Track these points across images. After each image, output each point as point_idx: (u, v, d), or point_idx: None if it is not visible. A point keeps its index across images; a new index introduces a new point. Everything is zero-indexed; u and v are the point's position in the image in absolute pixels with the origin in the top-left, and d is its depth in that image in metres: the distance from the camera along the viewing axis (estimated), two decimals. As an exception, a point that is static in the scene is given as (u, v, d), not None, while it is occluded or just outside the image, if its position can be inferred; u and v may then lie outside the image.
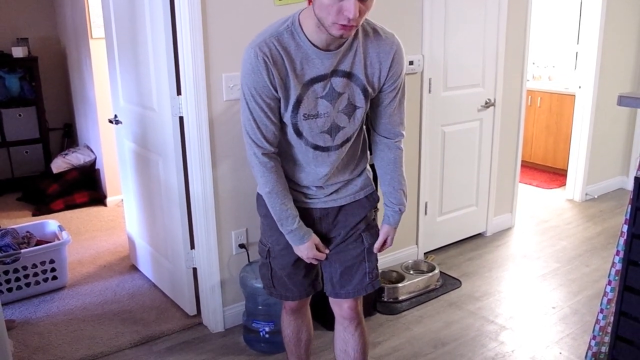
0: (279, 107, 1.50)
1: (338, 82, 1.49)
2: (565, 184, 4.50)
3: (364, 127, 1.66)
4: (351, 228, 1.68)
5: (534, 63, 5.42)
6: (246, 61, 1.45)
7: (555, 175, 4.96)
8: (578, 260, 3.29)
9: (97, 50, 3.93)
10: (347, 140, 1.59)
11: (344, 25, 1.33)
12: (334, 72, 1.48)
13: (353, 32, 1.40)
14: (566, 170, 4.48)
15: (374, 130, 1.66)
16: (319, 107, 1.50)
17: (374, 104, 1.59)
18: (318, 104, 1.49)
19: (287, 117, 1.51)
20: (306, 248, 1.62)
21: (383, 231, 1.71)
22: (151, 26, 2.40)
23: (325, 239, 1.69)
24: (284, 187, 1.58)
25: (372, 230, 1.72)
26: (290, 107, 1.48)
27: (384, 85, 1.54)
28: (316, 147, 1.56)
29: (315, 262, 1.68)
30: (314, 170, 1.60)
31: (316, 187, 1.64)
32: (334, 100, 1.50)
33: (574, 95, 4.36)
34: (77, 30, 4.22)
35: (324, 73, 1.47)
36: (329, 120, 1.52)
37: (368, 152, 1.73)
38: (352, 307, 1.73)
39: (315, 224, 1.67)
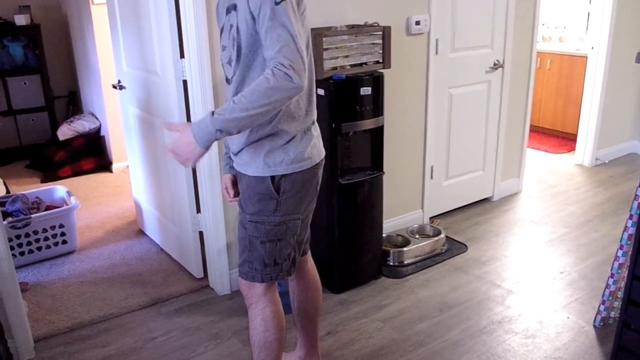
0: None
1: None
2: (574, 149, 4.44)
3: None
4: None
5: (543, 24, 5.28)
6: None
7: (565, 139, 4.89)
8: (587, 226, 3.26)
9: (99, 15, 3.87)
10: None
11: None
12: None
13: None
14: (576, 135, 4.41)
15: None
16: None
17: None
18: None
19: None
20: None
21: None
22: (152, -13, 2.35)
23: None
24: None
25: None
26: None
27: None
28: None
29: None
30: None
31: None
32: None
33: (586, 57, 4.26)
34: (79, -5, 4.15)
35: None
36: None
37: None
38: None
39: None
